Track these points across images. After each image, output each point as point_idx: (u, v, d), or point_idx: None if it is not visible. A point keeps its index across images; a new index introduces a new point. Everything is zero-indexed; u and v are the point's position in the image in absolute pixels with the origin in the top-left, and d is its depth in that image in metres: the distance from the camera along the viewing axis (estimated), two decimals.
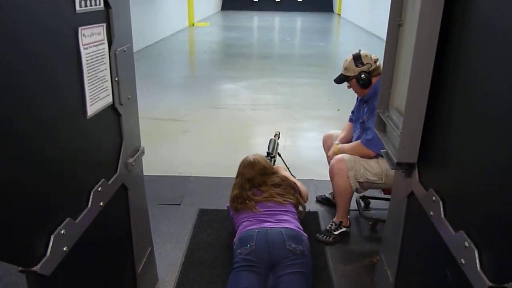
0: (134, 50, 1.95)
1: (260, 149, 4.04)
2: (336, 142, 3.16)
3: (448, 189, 1.46)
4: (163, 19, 13.67)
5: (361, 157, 2.84)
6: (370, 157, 2.82)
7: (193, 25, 17.28)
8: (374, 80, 2.83)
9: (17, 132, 1.10)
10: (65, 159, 1.36)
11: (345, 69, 2.89)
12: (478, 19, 1.29)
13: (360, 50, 2.88)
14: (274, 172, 2.85)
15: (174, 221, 3.15)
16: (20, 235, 1.15)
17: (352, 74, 2.85)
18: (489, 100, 1.19)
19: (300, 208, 2.75)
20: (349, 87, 2.97)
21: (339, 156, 2.87)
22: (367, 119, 2.87)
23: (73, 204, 1.42)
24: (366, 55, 2.84)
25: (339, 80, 2.95)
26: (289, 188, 2.73)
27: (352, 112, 3.21)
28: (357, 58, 2.83)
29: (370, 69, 2.81)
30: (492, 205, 1.16)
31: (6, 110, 1.05)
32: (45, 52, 1.21)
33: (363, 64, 2.81)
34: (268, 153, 3.42)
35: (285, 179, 2.79)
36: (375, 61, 2.84)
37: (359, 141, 2.89)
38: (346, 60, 2.89)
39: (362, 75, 2.80)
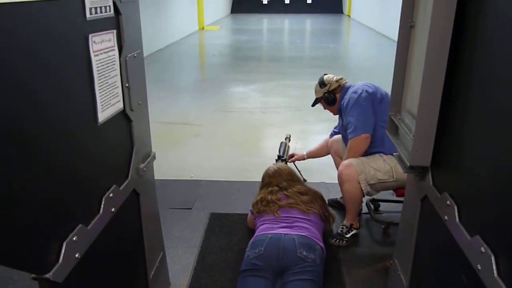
0: (145, 54, 1.96)
1: (271, 152, 4.04)
2: (304, 153, 3.59)
3: (463, 192, 1.43)
4: (173, 23, 13.75)
5: (362, 151, 2.89)
6: (366, 144, 2.87)
7: (203, 28, 17.36)
8: (338, 96, 3.13)
9: (29, 139, 1.11)
10: (76, 166, 1.36)
11: (315, 92, 3.24)
12: (493, 17, 1.27)
13: (324, 74, 3.22)
14: (300, 180, 2.95)
15: (185, 225, 3.14)
16: (32, 242, 1.16)
17: (320, 96, 3.19)
18: (505, 101, 1.17)
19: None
20: (324, 108, 3.29)
21: (346, 161, 2.87)
22: (344, 132, 3.05)
23: (85, 211, 1.42)
24: (328, 77, 3.17)
25: (314, 103, 3.30)
26: (317, 197, 2.75)
27: (335, 128, 3.46)
28: (320, 82, 3.18)
29: (331, 88, 3.12)
30: (509, 209, 1.14)
31: (19, 117, 1.06)
32: (56, 59, 1.22)
33: (325, 85, 3.14)
34: (279, 156, 3.42)
35: (311, 188, 2.83)
36: (337, 80, 3.14)
37: (349, 140, 2.93)
38: (315, 85, 3.23)
39: (326, 94, 3.14)
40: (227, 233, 3.04)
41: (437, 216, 1.58)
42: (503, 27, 1.21)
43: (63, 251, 1.24)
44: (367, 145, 2.87)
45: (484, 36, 1.32)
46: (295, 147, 4.31)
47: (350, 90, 2.99)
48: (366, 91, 2.88)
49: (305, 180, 3.71)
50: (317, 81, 3.20)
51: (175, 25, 14.01)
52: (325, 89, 3.13)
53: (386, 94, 2.89)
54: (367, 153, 2.89)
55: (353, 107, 2.88)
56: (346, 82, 3.13)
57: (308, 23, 20.92)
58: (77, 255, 1.32)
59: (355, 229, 2.94)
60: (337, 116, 3.27)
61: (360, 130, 2.84)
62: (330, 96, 3.12)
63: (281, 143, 3.57)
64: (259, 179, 2.99)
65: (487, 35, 1.30)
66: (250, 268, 2.24)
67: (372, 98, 2.86)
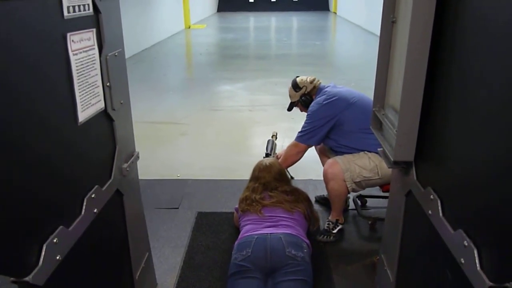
0: (130, 54, 1.95)
1: (258, 150, 4.03)
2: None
3: (446, 187, 1.44)
4: (159, 22, 13.66)
5: (291, 160, 3.09)
6: (299, 154, 3.04)
7: (189, 27, 17.27)
8: (314, 98, 3.10)
9: (6, 140, 1.08)
10: (56, 166, 1.34)
11: (290, 96, 3.22)
12: (471, 12, 1.27)
13: (296, 77, 3.20)
14: (289, 181, 2.91)
15: (172, 225, 3.12)
16: (11, 244, 1.13)
17: (296, 99, 3.17)
18: (485, 95, 1.17)
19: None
20: (301, 110, 3.26)
21: (331, 160, 2.89)
22: None
23: (66, 212, 1.40)
24: (302, 79, 3.14)
25: (290, 107, 3.30)
26: (302, 198, 2.73)
27: None
28: (294, 85, 3.16)
29: (307, 91, 3.11)
30: (491, 203, 1.14)
31: None
32: (33, 58, 1.20)
33: (300, 89, 3.12)
34: (267, 154, 3.41)
35: (297, 189, 2.81)
36: (311, 82, 3.12)
37: (291, 142, 3.08)
38: (289, 89, 3.21)
39: (303, 98, 3.13)
40: (214, 232, 3.02)
41: (421, 210, 1.59)
42: (479, 22, 1.22)
43: (43, 253, 1.22)
44: (298, 156, 3.06)
45: (462, 32, 1.32)
46: (282, 145, 4.31)
47: (317, 98, 3.01)
48: (326, 104, 2.90)
49: (292, 178, 3.72)
50: (290, 85, 3.19)
51: (161, 24, 13.91)
52: (301, 93, 3.13)
53: (356, 99, 2.90)
54: (354, 150, 2.90)
55: (308, 116, 2.99)
56: (320, 82, 3.15)
57: (295, 20, 20.94)
58: (58, 257, 1.30)
59: (340, 224, 2.97)
60: None
61: (300, 138, 2.99)
62: (307, 99, 3.12)
63: (268, 140, 3.57)
64: (247, 177, 2.97)
65: (465, 31, 1.31)
66: (239, 270, 2.21)
67: (335, 109, 2.88)
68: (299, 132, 3.03)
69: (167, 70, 9.71)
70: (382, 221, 2.57)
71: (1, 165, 1.07)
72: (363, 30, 15.70)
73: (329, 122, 2.89)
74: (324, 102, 2.91)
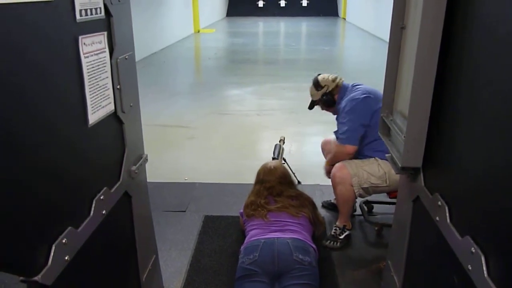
0: (140, 57, 1.96)
1: (266, 155, 4.03)
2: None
3: (454, 193, 1.43)
4: (169, 27, 13.75)
5: (343, 158, 2.91)
6: (349, 156, 2.89)
7: (198, 31, 17.36)
8: (336, 97, 3.04)
9: (18, 141, 1.10)
10: (66, 167, 1.35)
11: (311, 95, 3.13)
12: (480, 20, 1.28)
13: (318, 75, 3.12)
14: (293, 184, 2.88)
15: (179, 228, 3.14)
16: (21, 244, 1.15)
17: (317, 98, 3.08)
18: (494, 102, 1.17)
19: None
20: (322, 109, 3.20)
21: (339, 164, 2.86)
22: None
23: (75, 213, 1.41)
24: (324, 78, 3.06)
25: (310, 106, 3.19)
26: (307, 202, 2.72)
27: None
28: (316, 84, 3.07)
29: (329, 90, 3.03)
30: (499, 209, 1.14)
31: (6, 118, 1.05)
32: (45, 61, 1.21)
33: (322, 87, 3.04)
34: (274, 159, 3.41)
35: (302, 193, 2.79)
36: (333, 80, 3.04)
37: (337, 143, 2.94)
38: (310, 88, 3.13)
39: (324, 97, 3.04)
40: (221, 235, 3.03)
41: (429, 217, 1.58)
42: (487, 30, 1.22)
43: (52, 253, 1.23)
44: (349, 158, 2.91)
45: (470, 39, 1.32)
46: (289, 149, 4.32)
47: (350, 94, 2.91)
48: (365, 99, 2.80)
49: (299, 183, 3.72)
50: (311, 83, 3.09)
51: (171, 28, 14.00)
52: (322, 91, 3.03)
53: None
54: (363, 155, 2.89)
55: (348, 114, 2.84)
56: (343, 81, 3.05)
57: (304, 26, 20.97)
58: (66, 258, 1.31)
59: (348, 230, 2.96)
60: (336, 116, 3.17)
61: (347, 140, 2.85)
62: (328, 98, 3.03)
63: (276, 145, 3.57)
64: (254, 181, 2.97)
65: (473, 38, 1.31)
66: (246, 274, 2.22)
67: (370, 107, 2.78)
68: (340, 136, 2.89)
69: (176, 74, 9.77)
70: (389, 227, 2.56)
71: (12, 167, 1.08)
72: (372, 35, 15.68)
73: (367, 115, 2.79)
74: (356, 99, 2.81)
